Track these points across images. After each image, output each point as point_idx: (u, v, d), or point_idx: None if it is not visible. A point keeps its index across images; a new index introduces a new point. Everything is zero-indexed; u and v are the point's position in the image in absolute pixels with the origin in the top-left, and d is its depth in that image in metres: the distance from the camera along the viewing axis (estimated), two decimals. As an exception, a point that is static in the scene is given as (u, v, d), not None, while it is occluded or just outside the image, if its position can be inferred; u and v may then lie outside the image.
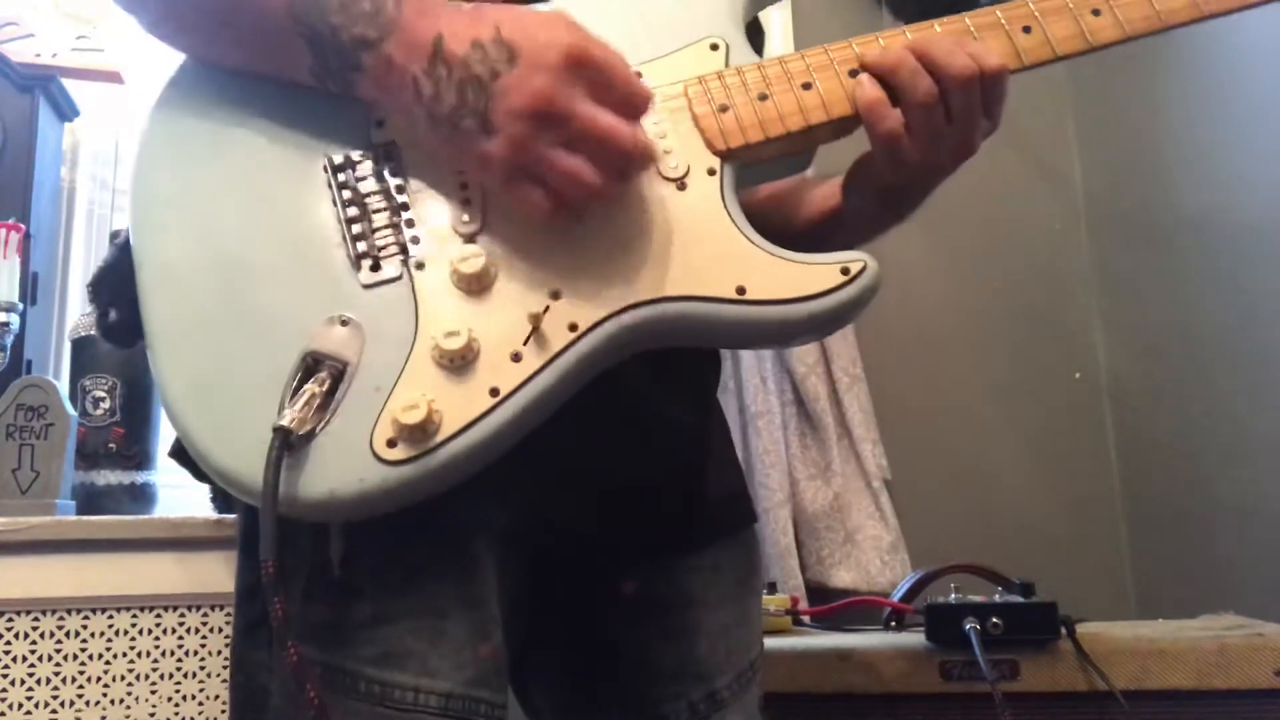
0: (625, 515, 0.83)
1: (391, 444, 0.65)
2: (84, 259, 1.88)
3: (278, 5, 0.69)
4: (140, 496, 1.57)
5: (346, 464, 0.65)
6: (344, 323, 0.68)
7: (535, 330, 0.68)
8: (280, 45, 0.70)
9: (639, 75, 0.72)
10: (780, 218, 0.90)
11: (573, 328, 0.68)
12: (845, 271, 0.70)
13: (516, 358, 0.67)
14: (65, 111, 1.79)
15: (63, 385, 1.49)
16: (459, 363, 0.67)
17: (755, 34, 0.89)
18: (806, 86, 0.77)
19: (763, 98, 0.76)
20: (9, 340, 1.50)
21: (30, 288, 1.61)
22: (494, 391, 0.66)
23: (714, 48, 0.78)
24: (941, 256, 2.16)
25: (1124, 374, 2.13)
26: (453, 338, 0.67)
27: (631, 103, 0.69)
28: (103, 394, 1.57)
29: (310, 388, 0.66)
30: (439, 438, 0.65)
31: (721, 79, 0.77)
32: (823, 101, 0.76)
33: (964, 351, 2.15)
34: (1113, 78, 2.10)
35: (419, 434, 0.65)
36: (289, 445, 0.64)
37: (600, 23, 0.76)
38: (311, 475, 0.65)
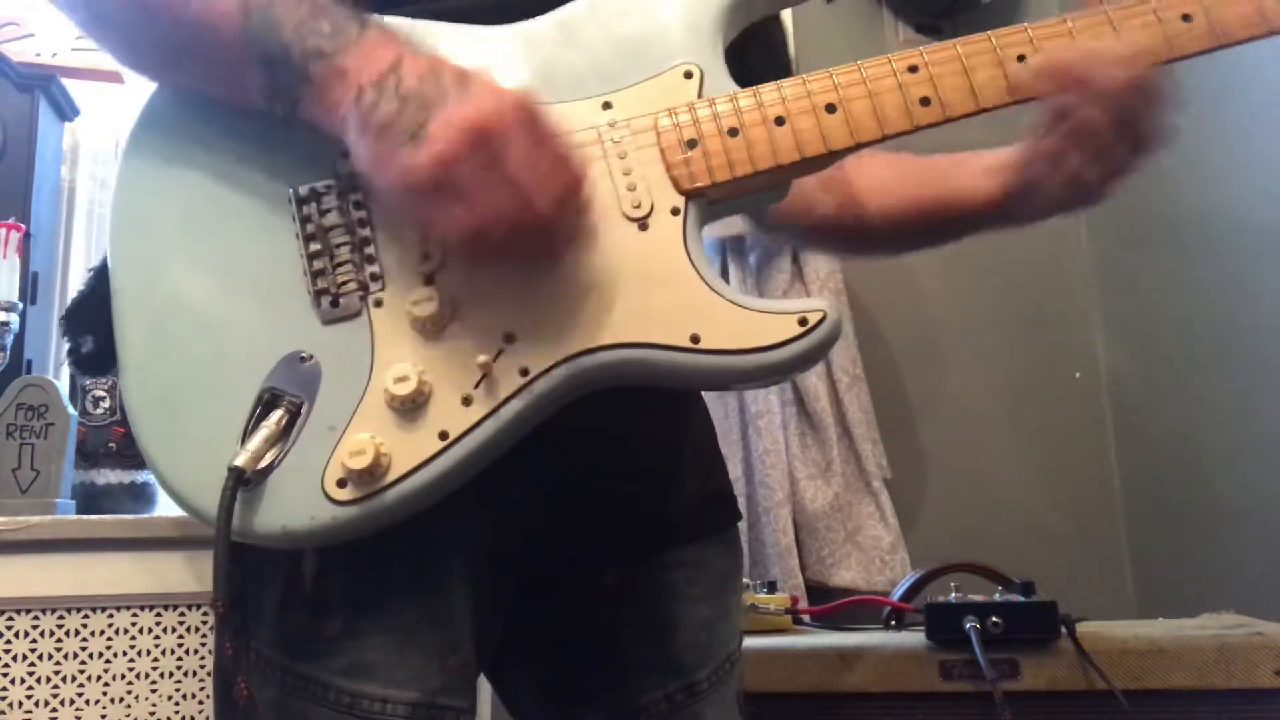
0: (596, 528, 0.83)
1: (341, 484, 0.66)
2: (84, 259, 1.88)
3: (231, 29, 0.68)
4: (140, 496, 1.57)
5: (299, 501, 0.66)
6: (302, 359, 0.69)
7: (486, 376, 0.68)
8: (234, 68, 0.70)
9: (608, 104, 0.72)
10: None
11: (524, 372, 0.68)
12: (803, 323, 0.67)
13: (467, 401, 0.68)
14: (65, 111, 1.79)
15: (63, 385, 1.49)
16: (409, 406, 0.67)
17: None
18: (780, 122, 0.72)
19: (733, 133, 0.72)
20: (9, 340, 1.50)
21: (30, 287, 1.61)
22: (443, 435, 0.67)
23: (688, 75, 0.74)
24: (941, 256, 2.16)
25: (1124, 374, 2.13)
26: (402, 383, 0.67)
27: (565, 165, 0.65)
28: (103, 393, 1.57)
29: (267, 424, 0.67)
30: (387, 479, 0.66)
31: (692, 110, 0.73)
32: (795, 141, 0.72)
33: (964, 351, 2.14)
34: (1113, 77, 2.10)
35: (367, 476, 0.66)
36: (244, 482, 0.65)
37: (571, 47, 0.76)
38: (266, 510, 0.67)
